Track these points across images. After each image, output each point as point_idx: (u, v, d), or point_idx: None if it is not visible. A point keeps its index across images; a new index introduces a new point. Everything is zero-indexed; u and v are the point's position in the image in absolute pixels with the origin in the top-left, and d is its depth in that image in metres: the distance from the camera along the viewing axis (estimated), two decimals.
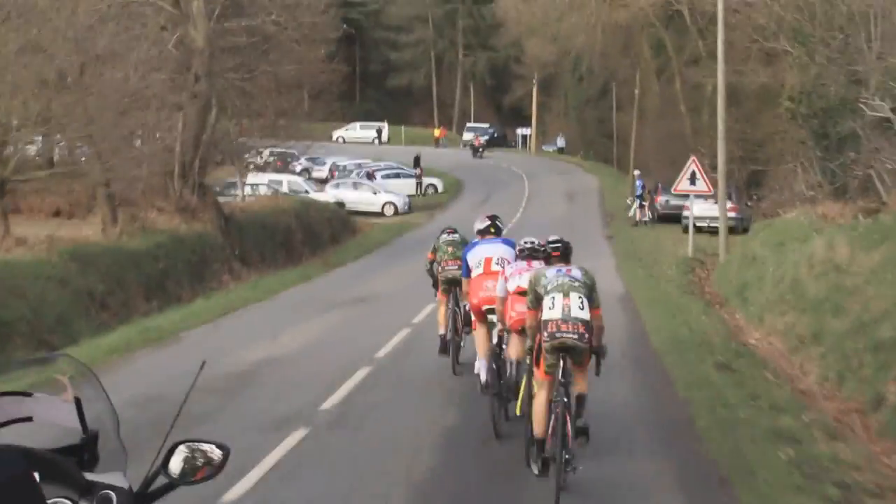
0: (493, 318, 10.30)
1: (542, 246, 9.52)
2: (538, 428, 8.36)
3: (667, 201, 41.98)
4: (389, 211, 49.36)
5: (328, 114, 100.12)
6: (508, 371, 10.01)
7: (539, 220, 37.75)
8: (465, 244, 12.50)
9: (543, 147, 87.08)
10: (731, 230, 31.15)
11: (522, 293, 9.06)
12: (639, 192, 41.25)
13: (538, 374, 8.54)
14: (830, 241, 18.85)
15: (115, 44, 26.52)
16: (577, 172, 68.34)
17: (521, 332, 9.27)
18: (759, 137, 40.14)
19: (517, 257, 10.10)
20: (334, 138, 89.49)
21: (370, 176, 55.85)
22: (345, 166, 63.26)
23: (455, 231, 13.64)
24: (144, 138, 29.16)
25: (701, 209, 34.62)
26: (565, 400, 8.10)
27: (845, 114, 28.51)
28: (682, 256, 29.90)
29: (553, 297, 8.28)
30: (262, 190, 46.00)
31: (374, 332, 16.42)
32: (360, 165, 62.84)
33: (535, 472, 8.53)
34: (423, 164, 64.69)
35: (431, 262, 13.72)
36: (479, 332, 10.93)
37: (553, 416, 8.13)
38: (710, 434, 9.85)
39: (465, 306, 11.67)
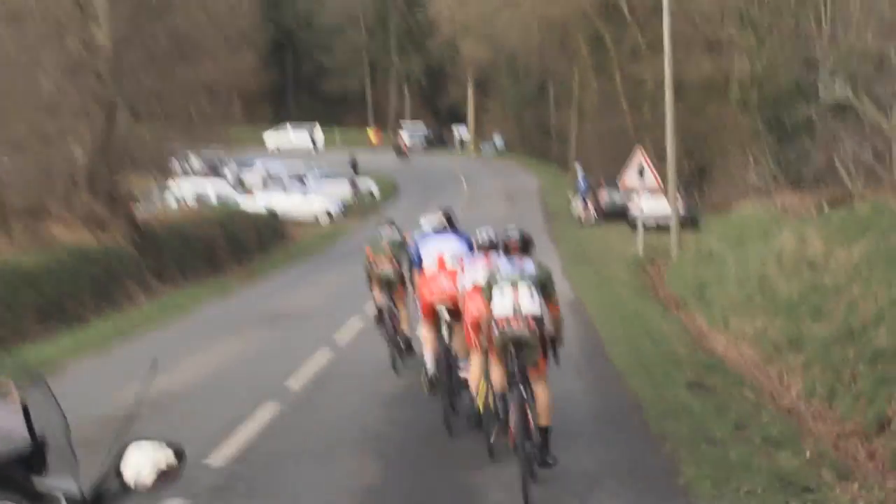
0: (444, 314, 10.19)
1: (502, 241, 8.97)
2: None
3: (611, 199, 40.13)
4: (323, 217, 46.99)
5: (257, 118, 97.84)
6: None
7: (479, 222, 34.86)
8: (400, 241, 12.89)
9: (482, 148, 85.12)
10: (680, 226, 29.29)
11: (479, 290, 8.77)
12: (582, 188, 39.22)
13: (491, 355, 8.45)
14: (801, 235, 16.92)
15: (9, 44, 24.08)
16: (516, 172, 66.45)
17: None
18: (704, 130, 38.31)
19: (475, 250, 9.82)
20: (269, 147, 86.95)
21: (303, 181, 53.43)
22: (276, 171, 60.78)
23: (392, 225, 13.69)
24: (46, 143, 26.55)
25: (648, 206, 32.83)
26: (524, 395, 7.95)
27: (798, 101, 26.78)
28: (633, 256, 27.97)
29: (502, 290, 8.10)
30: (188, 199, 43.39)
31: (290, 356, 14.15)
32: (292, 169, 60.46)
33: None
34: (359, 169, 62.64)
35: (369, 259, 13.39)
36: (425, 329, 10.64)
37: (512, 411, 8.01)
38: (701, 489, 7.67)
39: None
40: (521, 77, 78.73)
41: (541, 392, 8.12)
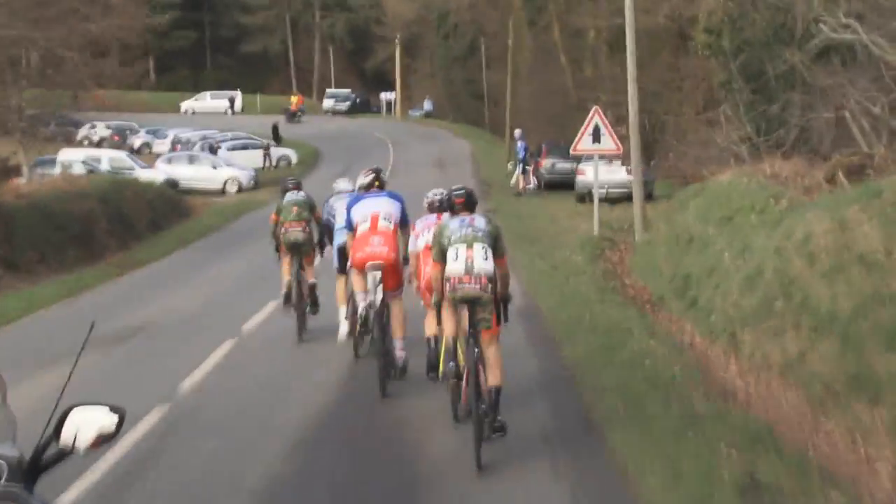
0: (376, 274, 9.86)
1: (445, 199, 8.94)
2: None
3: (553, 165, 35.39)
4: (232, 188, 41.70)
5: (174, 84, 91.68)
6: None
7: (406, 192, 30.34)
8: (310, 204, 12.62)
9: (410, 112, 79.94)
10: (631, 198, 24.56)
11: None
12: (521, 155, 34.37)
13: (443, 305, 8.20)
14: (838, 218, 12.20)
15: None
16: (446, 137, 61.47)
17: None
18: (657, 84, 33.61)
19: (428, 210, 9.92)
20: (182, 110, 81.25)
21: (213, 149, 47.98)
22: (188, 139, 55.26)
23: (299, 187, 13.02)
24: None
25: (600, 174, 28.33)
26: (475, 352, 7.89)
27: (783, 43, 22.15)
28: (586, 235, 23.23)
29: (457, 249, 8.00)
30: (77, 169, 37.75)
31: (135, 396, 9.16)
32: (205, 137, 55.00)
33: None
34: (281, 135, 57.60)
35: (275, 224, 12.74)
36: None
37: (465, 369, 8.00)
38: None
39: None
40: (450, 36, 73.56)
41: (492, 353, 7.99)
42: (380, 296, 9.86)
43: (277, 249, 12.83)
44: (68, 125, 66.29)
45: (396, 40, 78.42)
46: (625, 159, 26.46)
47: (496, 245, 8.08)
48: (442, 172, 42.66)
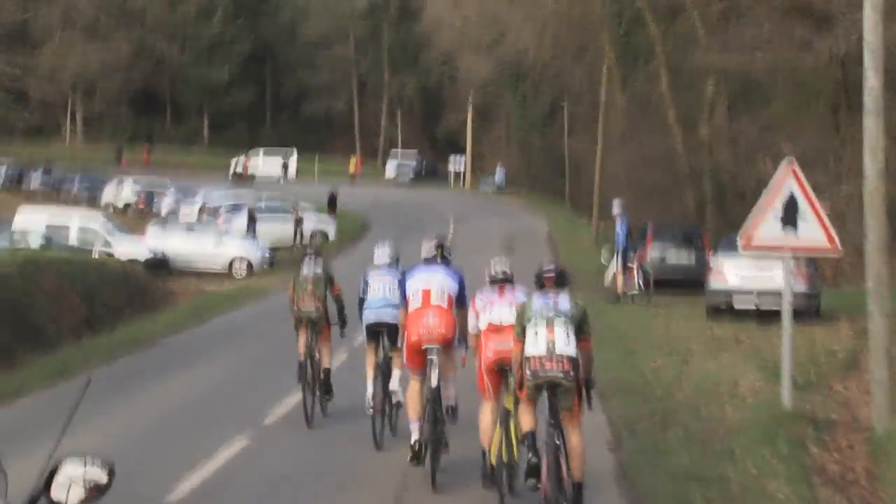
0: (433, 356, 8.97)
1: (535, 274, 8.03)
2: (527, 425, 7.70)
3: (662, 256, 24.83)
4: (241, 269, 31.73)
5: (229, 144, 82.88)
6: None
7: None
8: (327, 277, 11.64)
9: (481, 182, 69.80)
10: (795, 315, 13.33)
11: (497, 329, 8.21)
12: (621, 241, 23.39)
13: (521, 395, 7.67)
14: None
15: None
16: (519, 213, 51.19)
17: (498, 372, 8.29)
18: (812, 148, 22.99)
19: (489, 284, 8.66)
20: (231, 170, 72.16)
21: (252, 218, 38.21)
22: (218, 205, 45.60)
23: (318, 255, 11.97)
24: None
25: (746, 272, 17.90)
26: (557, 443, 7.43)
27: None
28: (758, 402, 12.49)
29: (536, 329, 7.47)
30: (34, 241, 28.09)
31: None
32: (237, 203, 45.43)
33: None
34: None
35: (291, 299, 11.65)
36: (411, 388, 9.25)
37: (545, 461, 7.45)
38: None
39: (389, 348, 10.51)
40: (528, 97, 63.70)
41: (575, 441, 7.60)
42: (435, 381, 8.94)
43: (296, 326, 11.66)
44: (91, 185, 58.19)
45: (469, 100, 68.66)
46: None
47: (581, 326, 7.57)
48: (512, 258, 32.18)
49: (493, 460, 8.34)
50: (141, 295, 24.42)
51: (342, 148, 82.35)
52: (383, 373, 10.41)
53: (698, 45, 31.06)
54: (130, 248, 29.92)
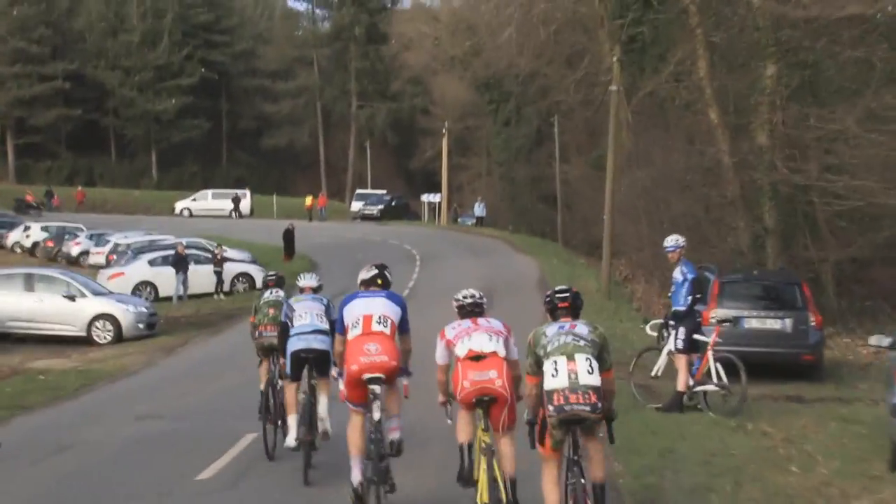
0: (375, 388, 7.92)
1: (545, 300, 7.18)
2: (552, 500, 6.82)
3: (739, 321, 14.52)
4: (104, 332, 21.67)
5: (180, 182, 72.85)
6: (463, 461, 7.53)
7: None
8: (283, 302, 10.58)
9: (460, 219, 59.92)
10: None
11: (476, 357, 7.40)
12: (683, 301, 12.84)
13: (543, 450, 6.86)
14: None
15: None
16: (503, 251, 40.96)
17: (474, 406, 7.43)
18: None
19: (459, 315, 7.80)
20: (177, 211, 62.38)
21: (181, 260, 28.49)
22: (128, 245, 35.78)
23: (277, 284, 11.14)
24: None
25: None
26: (582, 482, 6.66)
27: None
28: None
29: (556, 362, 6.63)
30: None
31: None
32: (152, 243, 35.85)
33: None
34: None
35: (253, 326, 11.01)
36: (353, 423, 8.13)
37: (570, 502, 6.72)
38: None
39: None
40: (511, 122, 53.84)
41: (594, 448, 6.74)
42: (378, 415, 7.96)
43: (258, 353, 11.04)
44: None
45: (444, 129, 58.78)
46: None
47: (601, 356, 6.71)
48: (491, 309, 22.06)
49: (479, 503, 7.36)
50: None
51: (307, 185, 72.45)
52: (309, 410, 9.55)
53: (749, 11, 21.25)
54: None
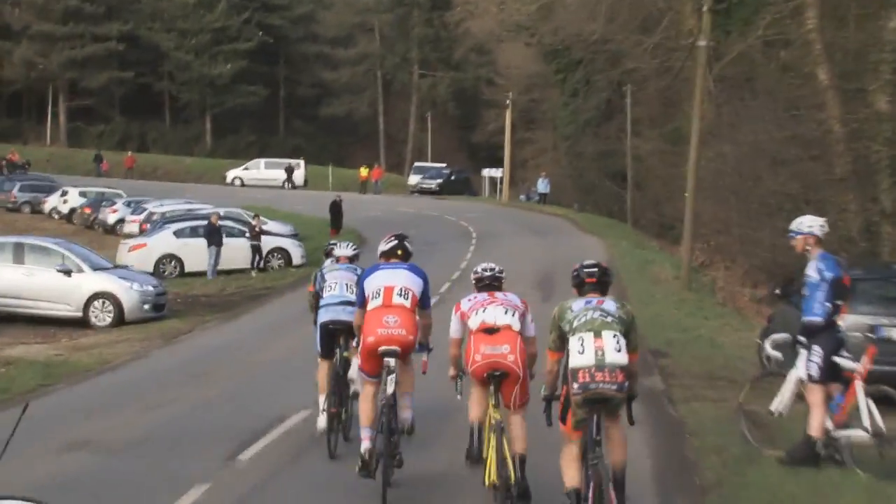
0: (390, 361, 7.69)
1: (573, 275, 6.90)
2: (571, 480, 6.49)
3: (873, 335, 10.90)
4: (103, 314, 18.73)
5: (236, 150, 70.27)
6: (472, 440, 7.41)
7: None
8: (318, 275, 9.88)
9: (521, 197, 56.41)
10: None
11: (489, 330, 7.17)
12: (823, 311, 9.02)
13: (565, 429, 6.58)
14: None
15: None
16: (566, 231, 37.36)
17: (486, 381, 7.20)
18: None
19: (476, 288, 7.66)
20: (228, 180, 59.68)
21: (215, 232, 25.69)
22: (163, 214, 33.16)
23: (353, 255, 9.72)
24: None
25: None
26: (601, 468, 6.32)
27: None
28: None
29: (582, 339, 6.36)
30: None
31: None
32: (190, 210, 33.43)
33: None
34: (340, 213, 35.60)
35: (314, 297, 9.57)
36: (365, 392, 7.97)
37: (591, 484, 6.31)
38: None
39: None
40: (580, 93, 49.98)
41: (616, 433, 6.46)
42: (391, 388, 7.70)
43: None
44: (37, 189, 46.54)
45: (508, 101, 55.12)
46: None
47: (628, 335, 6.44)
48: (547, 299, 18.35)
49: (487, 482, 7.09)
50: None
51: (366, 157, 69.26)
52: (337, 382, 8.99)
53: None
54: None
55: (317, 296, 9.39)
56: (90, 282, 18.76)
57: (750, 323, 17.59)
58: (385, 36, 74.04)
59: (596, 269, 6.73)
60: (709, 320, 17.57)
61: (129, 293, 18.80)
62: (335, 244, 10.35)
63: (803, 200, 21.11)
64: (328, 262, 10.01)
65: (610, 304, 6.52)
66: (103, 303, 18.70)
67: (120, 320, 18.65)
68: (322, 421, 9.05)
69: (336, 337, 9.11)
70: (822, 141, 20.33)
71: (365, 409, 7.82)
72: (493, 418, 7.09)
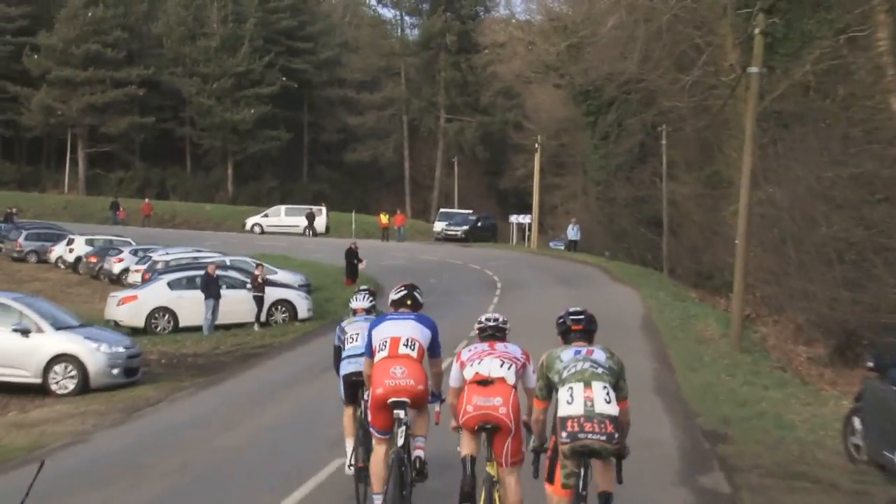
0: (400, 413, 7.56)
1: (559, 322, 6.90)
2: None
3: None
4: (65, 380, 16.19)
5: (258, 197, 68.19)
6: (465, 473, 7.02)
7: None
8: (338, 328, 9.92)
9: (551, 243, 53.77)
10: None
11: (482, 382, 6.98)
12: None
13: (552, 489, 6.47)
14: None
15: None
16: (598, 281, 34.57)
17: (477, 433, 7.02)
18: None
19: (479, 337, 7.45)
20: (248, 227, 57.49)
21: (212, 282, 23.32)
22: (166, 263, 30.98)
23: (369, 307, 9.51)
24: None
25: None
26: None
27: None
28: None
29: (571, 388, 6.28)
30: None
31: None
32: (196, 259, 31.26)
33: None
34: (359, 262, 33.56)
35: (336, 351, 9.47)
36: (375, 454, 7.81)
37: None
38: None
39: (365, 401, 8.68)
40: (611, 136, 47.43)
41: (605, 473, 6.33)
42: (402, 440, 7.62)
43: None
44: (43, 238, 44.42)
45: (537, 144, 52.61)
46: None
47: (618, 384, 6.37)
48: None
49: None
50: None
51: (391, 203, 67.02)
52: (363, 428, 8.79)
53: None
54: None
55: (338, 350, 9.34)
56: (51, 343, 16.24)
57: (818, 394, 14.78)
58: (411, 80, 72.02)
59: (582, 317, 6.68)
60: (769, 390, 14.73)
61: (95, 356, 16.26)
62: (366, 290, 9.95)
63: (870, 249, 18.31)
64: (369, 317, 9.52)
65: (599, 353, 6.42)
66: (65, 367, 16.17)
67: (84, 387, 16.12)
68: (350, 470, 8.96)
69: (359, 387, 8.96)
70: (894, 180, 17.62)
71: (377, 473, 7.64)
72: (486, 471, 6.94)
